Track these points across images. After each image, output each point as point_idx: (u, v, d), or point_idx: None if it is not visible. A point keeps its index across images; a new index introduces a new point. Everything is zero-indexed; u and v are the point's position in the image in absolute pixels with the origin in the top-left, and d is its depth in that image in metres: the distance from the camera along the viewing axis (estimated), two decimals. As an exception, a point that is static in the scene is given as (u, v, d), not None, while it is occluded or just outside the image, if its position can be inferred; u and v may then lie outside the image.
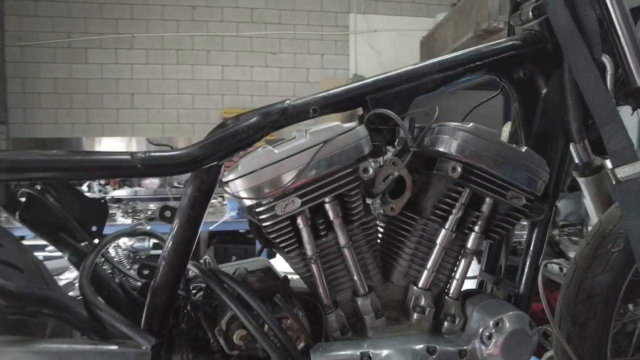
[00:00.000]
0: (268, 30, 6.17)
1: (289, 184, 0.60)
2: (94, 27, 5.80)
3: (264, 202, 0.61)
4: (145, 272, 0.69)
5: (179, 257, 0.68)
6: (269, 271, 0.79)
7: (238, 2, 6.01)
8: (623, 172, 0.73)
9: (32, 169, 0.57)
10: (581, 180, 1.02)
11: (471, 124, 0.69)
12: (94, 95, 5.78)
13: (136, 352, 0.58)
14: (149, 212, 3.70)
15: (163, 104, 5.95)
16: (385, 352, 0.65)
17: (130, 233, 0.83)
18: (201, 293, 0.74)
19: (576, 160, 0.99)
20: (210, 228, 3.27)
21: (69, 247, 0.75)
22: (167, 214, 0.69)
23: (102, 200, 0.76)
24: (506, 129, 1.08)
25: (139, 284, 0.78)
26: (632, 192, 0.73)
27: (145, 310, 0.67)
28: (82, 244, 0.77)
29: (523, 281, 0.80)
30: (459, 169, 0.67)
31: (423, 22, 6.56)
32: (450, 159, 0.68)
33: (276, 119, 0.68)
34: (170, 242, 0.67)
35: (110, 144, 5.85)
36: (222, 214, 3.63)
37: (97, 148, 5.94)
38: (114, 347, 0.58)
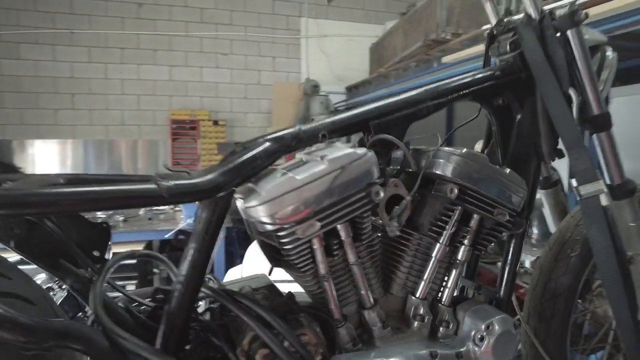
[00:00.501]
0: (219, 31, 6.08)
1: (310, 209, 0.64)
2: (28, 20, 5.40)
3: (286, 227, 0.64)
4: (160, 296, 0.69)
5: (195, 280, 0.69)
6: (273, 288, 0.82)
7: (187, 2, 5.86)
8: (585, 189, 0.85)
9: (51, 203, 0.55)
10: (542, 193, 1.15)
11: (464, 149, 0.77)
12: (28, 94, 5.39)
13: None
14: (111, 224, 3.51)
15: (107, 104, 5.67)
16: (394, 359, 0.71)
17: (131, 256, 0.82)
18: (208, 313, 0.75)
19: (538, 175, 1.12)
20: (166, 236, 3.14)
21: (70, 274, 0.73)
22: (181, 237, 0.69)
23: (105, 224, 0.75)
24: (477, 146, 1.18)
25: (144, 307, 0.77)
26: (593, 207, 0.84)
27: (161, 334, 0.68)
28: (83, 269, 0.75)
29: (503, 286, 0.90)
30: (456, 191, 0.74)
31: (372, 29, 6.78)
32: (448, 181, 0.75)
33: (289, 144, 0.71)
34: (187, 266, 0.68)
35: (45, 147, 5.49)
36: (175, 222, 3.48)
37: (30, 151, 5.54)
38: None
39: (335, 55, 6.76)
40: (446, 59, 3.81)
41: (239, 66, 6.29)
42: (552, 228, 1.17)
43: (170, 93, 5.89)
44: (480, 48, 3.51)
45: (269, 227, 0.65)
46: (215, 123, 6.04)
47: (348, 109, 0.87)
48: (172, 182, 0.60)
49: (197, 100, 6.10)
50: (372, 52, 6.21)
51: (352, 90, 6.52)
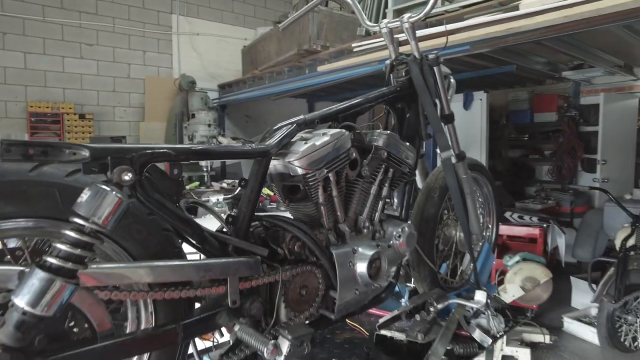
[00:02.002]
0: (82, 20, 5.76)
1: (323, 162, 1.16)
2: None
3: (310, 172, 1.15)
4: (230, 220, 1.12)
5: (252, 208, 1.13)
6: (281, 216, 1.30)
7: (45, -16, 5.40)
8: (444, 155, 1.55)
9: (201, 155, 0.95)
10: (415, 161, 1.85)
11: (389, 132, 1.38)
12: None
13: (254, 260, 1.03)
14: None
15: (-59, 92, 4.88)
16: (360, 248, 1.28)
17: (186, 202, 1.20)
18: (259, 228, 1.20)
19: (413, 150, 1.81)
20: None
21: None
22: (243, 182, 1.14)
23: (180, 179, 1.14)
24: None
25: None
26: (448, 164, 1.55)
27: (234, 241, 1.11)
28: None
29: (403, 210, 1.55)
30: (386, 154, 1.34)
31: (242, 32, 7.21)
32: (382, 149, 1.34)
33: (300, 127, 1.20)
34: (246, 199, 1.12)
35: None
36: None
37: None
38: (241, 259, 1.01)
39: (207, 53, 6.98)
40: (321, 68, 4.52)
41: (106, 58, 6.04)
42: (420, 184, 1.89)
43: (26, 83, 5.36)
44: (346, 62, 4.30)
45: (301, 172, 1.14)
46: (82, 117, 5.71)
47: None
48: (259, 146, 1.06)
49: (59, 92, 5.66)
50: (244, 54, 6.64)
51: (226, 88, 6.84)
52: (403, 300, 1.92)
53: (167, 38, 6.56)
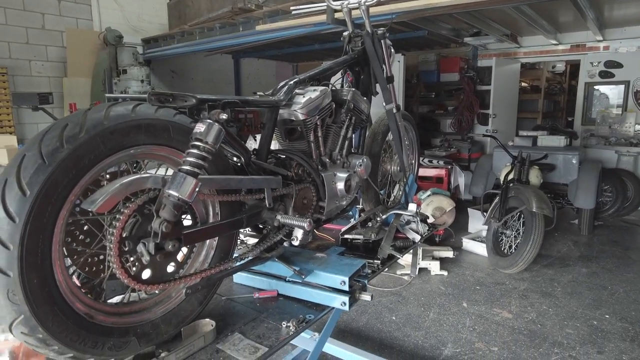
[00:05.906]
0: (-16, -40, 5.24)
1: (317, 110, 1.65)
2: None
3: (309, 118, 1.63)
4: (255, 152, 1.57)
5: (268, 144, 1.59)
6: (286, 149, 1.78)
7: None
8: (388, 106, 2.12)
9: (248, 104, 1.38)
10: (363, 112, 2.41)
11: (354, 89, 1.89)
12: None
13: (278, 178, 1.50)
14: None
15: None
16: (337, 172, 1.81)
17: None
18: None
19: (362, 104, 2.36)
20: None
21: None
22: (261, 125, 1.58)
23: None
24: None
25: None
26: (390, 114, 2.13)
27: (265, 165, 1.56)
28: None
29: (359, 148, 2.10)
30: (352, 105, 1.87)
31: (166, -16, 6.99)
32: (350, 102, 1.86)
33: (297, 84, 1.67)
34: (264, 138, 1.58)
35: None
36: None
37: None
38: (271, 177, 1.48)
39: (128, 5, 6.73)
40: (259, 27, 4.80)
41: (15, 6, 5.61)
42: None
43: None
44: (285, 24, 4.65)
45: (302, 118, 1.62)
46: (-6, 71, 5.34)
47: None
48: (277, 97, 1.51)
49: (-38, 42, 5.18)
50: (171, 8, 6.53)
51: (151, 42, 6.71)
52: (352, 219, 2.53)
53: (84, -13, 6.19)
